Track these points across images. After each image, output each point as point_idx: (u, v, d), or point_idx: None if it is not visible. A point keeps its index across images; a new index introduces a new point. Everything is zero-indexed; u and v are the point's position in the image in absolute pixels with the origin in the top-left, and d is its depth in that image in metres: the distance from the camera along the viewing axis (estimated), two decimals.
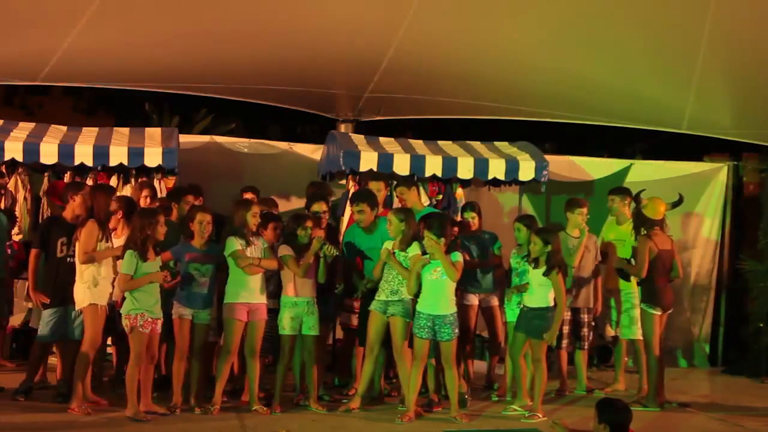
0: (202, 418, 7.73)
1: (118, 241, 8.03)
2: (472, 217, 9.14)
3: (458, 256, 7.99)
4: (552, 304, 8.17)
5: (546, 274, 8.13)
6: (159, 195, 9.25)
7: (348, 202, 9.43)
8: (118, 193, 9.43)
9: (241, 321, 7.94)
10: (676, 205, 9.23)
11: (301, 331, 8.10)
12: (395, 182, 9.43)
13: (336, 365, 9.60)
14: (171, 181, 9.79)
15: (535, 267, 8.23)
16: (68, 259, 8.01)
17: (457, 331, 7.96)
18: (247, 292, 7.96)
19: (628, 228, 9.27)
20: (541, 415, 8.02)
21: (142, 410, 7.60)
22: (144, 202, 8.86)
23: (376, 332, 8.11)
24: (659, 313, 8.74)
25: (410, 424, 7.80)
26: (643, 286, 8.89)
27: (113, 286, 7.88)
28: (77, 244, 7.79)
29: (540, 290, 8.20)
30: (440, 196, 9.94)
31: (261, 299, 8.03)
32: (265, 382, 8.37)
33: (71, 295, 7.87)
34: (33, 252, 8.14)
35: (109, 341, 8.73)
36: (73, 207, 8.08)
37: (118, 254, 7.81)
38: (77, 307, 7.82)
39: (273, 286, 8.25)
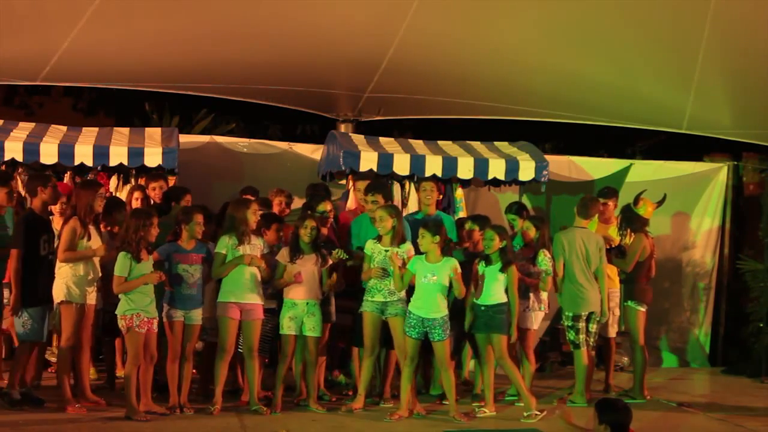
0: (202, 418, 7.73)
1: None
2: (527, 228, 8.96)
3: (457, 268, 7.96)
4: (506, 299, 8.15)
5: (503, 270, 8.11)
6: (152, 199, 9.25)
7: (353, 195, 9.55)
8: (118, 194, 9.51)
9: (234, 319, 7.93)
10: (660, 203, 9.49)
11: (302, 332, 8.11)
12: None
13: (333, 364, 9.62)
14: (171, 181, 9.78)
15: (488, 264, 8.19)
16: (50, 256, 7.95)
17: (449, 331, 7.95)
18: (239, 290, 7.94)
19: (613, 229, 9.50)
20: (540, 413, 8.01)
21: (142, 410, 7.61)
22: (135, 204, 8.91)
23: (374, 332, 8.11)
24: (644, 309, 9.14)
25: (411, 424, 7.81)
26: (627, 285, 9.23)
27: (93, 286, 7.87)
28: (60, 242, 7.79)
29: (497, 286, 8.15)
30: (440, 196, 9.94)
31: (254, 299, 8.00)
32: (265, 382, 8.37)
33: (50, 294, 7.86)
34: (16, 252, 7.79)
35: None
36: (43, 199, 7.96)
37: (100, 254, 7.81)
38: (54, 303, 7.82)
39: (273, 287, 8.25)
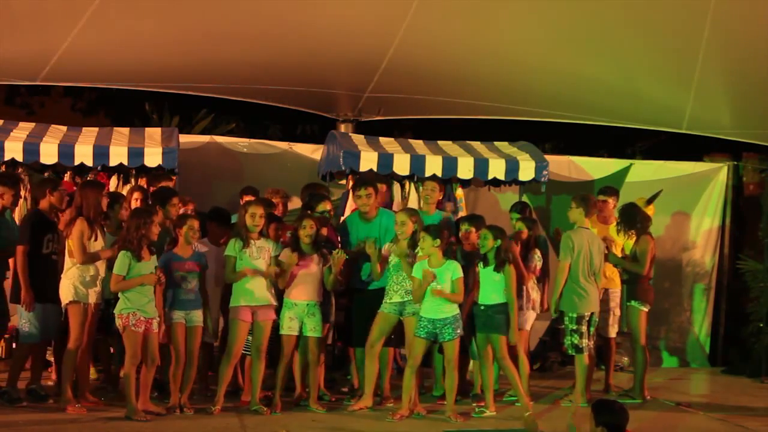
0: (202, 418, 7.73)
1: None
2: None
3: (458, 272, 7.94)
4: (505, 299, 8.16)
5: (498, 269, 8.11)
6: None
7: (351, 193, 9.53)
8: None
9: (246, 322, 7.96)
10: (654, 198, 9.61)
11: (303, 332, 8.12)
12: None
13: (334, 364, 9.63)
14: (172, 182, 9.77)
15: (485, 265, 8.19)
16: (52, 256, 8.03)
17: (459, 330, 7.95)
18: (251, 293, 7.98)
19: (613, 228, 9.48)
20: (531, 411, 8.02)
21: (141, 410, 7.60)
22: (135, 205, 8.89)
23: (381, 332, 8.12)
24: (647, 309, 9.16)
25: (411, 424, 7.81)
26: (630, 285, 9.21)
27: (100, 285, 7.89)
28: (69, 244, 7.80)
29: (496, 286, 8.15)
30: (441, 196, 9.93)
31: (266, 301, 8.03)
32: (265, 382, 8.37)
33: (49, 292, 7.89)
34: (21, 249, 7.94)
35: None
36: (51, 201, 8.14)
37: (114, 255, 7.80)
38: (62, 304, 7.83)
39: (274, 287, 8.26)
